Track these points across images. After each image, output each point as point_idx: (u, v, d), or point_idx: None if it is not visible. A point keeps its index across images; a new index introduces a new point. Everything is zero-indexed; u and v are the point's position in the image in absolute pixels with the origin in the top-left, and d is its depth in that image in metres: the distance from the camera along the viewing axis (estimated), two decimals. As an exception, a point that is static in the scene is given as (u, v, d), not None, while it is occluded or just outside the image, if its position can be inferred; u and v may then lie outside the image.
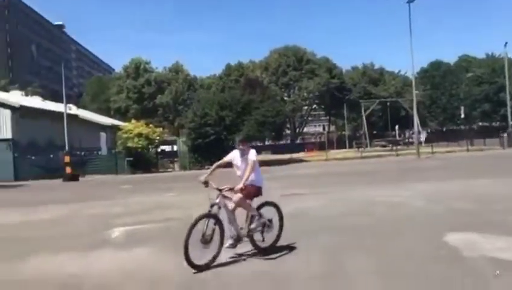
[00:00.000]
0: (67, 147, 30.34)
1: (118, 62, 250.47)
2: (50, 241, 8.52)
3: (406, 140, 60.08)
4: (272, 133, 40.61)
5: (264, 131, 36.14)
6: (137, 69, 75.43)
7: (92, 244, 7.86)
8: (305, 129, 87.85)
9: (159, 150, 36.83)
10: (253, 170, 6.36)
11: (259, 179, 6.58)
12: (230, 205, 6.27)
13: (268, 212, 6.67)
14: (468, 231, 7.33)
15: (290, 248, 6.72)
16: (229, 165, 6.68)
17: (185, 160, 35.57)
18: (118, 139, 35.24)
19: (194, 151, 34.43)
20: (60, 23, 34.89)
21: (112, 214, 11.54)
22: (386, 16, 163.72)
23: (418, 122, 41.23)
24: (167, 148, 42.97)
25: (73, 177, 27.69)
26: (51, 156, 31.95)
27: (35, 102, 41.11)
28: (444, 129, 75.87)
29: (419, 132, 42.62)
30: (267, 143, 64.99)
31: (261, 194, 6.61)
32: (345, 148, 60.33)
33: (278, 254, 6.44)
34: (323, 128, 64.70)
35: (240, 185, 6.20)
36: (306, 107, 78.70)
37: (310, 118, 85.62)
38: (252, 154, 6.45)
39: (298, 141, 78.71)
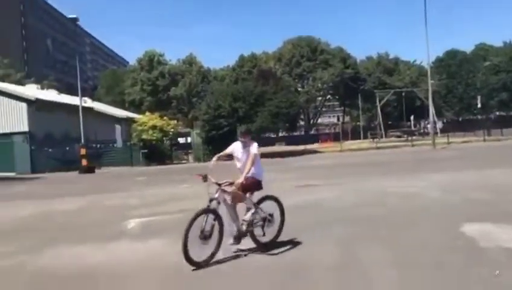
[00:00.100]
0: (83, 140, 30.68)
1: (131, 55, 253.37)
2: (68, 232, 8.70)
3: (422, 130, 59.56)
4: (285, 124, 40.63)
5: (278, 122, 36.14)
6: (151, 61, 75.78)
7: (109, 235, 8.01)
8: (320, 120, 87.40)
9: (174, 142, 37.04)
10: (253, 164, 6.20)
11: (259, 173, 6.43)
12: (230, 200, 6.16)
13: (270, 207, 6.52)
14: (485, 221, 7.25)
15: (305, 239, 6.69)
16: (230, 157, 6.54)
17: (199, 152, 35.73)
18: (132, 131, 35.62)
19: (207, 143, 34.55)
20: (74, 16, 35.00)
21: (128, 205, 11.68)
22: (401, 5, 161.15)
23: (434, 112, 40.80)
24: (181, 140, 43.29)
25: (89, 170, 28.05)
26: (67, 148, 32.36)
27: (51, 95, 41.57)
28: (460, 119, 74.92)
29: (434, 122, 42.18)
30: (281, 134, 64.83)
31: (261, 188, 6.46)
32: (360, 139, 59.82)
33: (292, 245, 6.44)
34: (338, 119, 64.10)
35: (241, 180, 6.07)
36: (320, 98, 78.24)
37: (324, 109, 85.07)
38: (254, 147, 6.30)
39: (312, 132, 78.30)
